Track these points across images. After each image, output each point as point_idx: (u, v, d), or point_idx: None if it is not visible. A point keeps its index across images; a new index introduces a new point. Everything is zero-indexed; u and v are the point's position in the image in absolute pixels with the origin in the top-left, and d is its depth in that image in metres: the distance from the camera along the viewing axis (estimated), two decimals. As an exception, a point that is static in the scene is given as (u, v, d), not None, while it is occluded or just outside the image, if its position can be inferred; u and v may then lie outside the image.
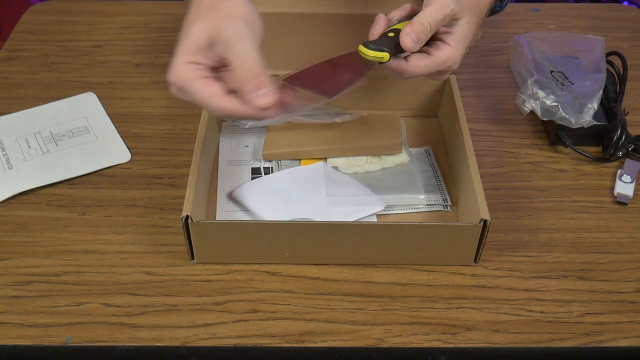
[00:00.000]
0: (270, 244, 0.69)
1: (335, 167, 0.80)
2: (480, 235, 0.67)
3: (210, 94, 0.59)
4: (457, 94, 0.81)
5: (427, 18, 0.65)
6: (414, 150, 0.83)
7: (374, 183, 0.78)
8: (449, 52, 0.67)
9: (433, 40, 0.68)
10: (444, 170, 0.81)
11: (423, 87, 0.85)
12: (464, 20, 0.67)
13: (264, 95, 0.58)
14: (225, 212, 0.76)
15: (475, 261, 0.70)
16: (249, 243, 0.69)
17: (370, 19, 0.70)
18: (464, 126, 0.76)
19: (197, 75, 0.59)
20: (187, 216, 0.66)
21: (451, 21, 0.67)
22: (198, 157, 0.71)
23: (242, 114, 0.59)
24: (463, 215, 0.74)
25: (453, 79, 0.83)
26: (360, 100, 0.87)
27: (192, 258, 0.70)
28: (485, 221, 0.66)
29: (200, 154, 0.72)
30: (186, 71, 0.59)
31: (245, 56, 0.59)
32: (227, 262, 0.71)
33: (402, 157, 0.80)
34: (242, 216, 0.75)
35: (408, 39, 0.64)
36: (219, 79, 0.60)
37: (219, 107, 0.59)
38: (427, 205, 0.76)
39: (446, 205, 0.77)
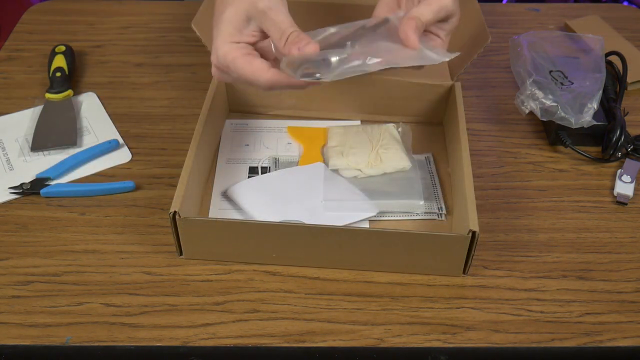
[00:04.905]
0: (257, 244, 0.69)
1: (336, 170, 0.80)
2: (469, 246, 0.66)
3: (256, 68, 0.61)
4: (460, 101, 0.80)
5: (427, 17, 0.65)
6: (414, 156, 0.82)
7: (373, 187, 0.77)
8: (438, 42, 0.69)
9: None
10: (443, 178, 0.80)
11: (427, 94, 0.85)
12: (455, 17, 0.68)
13: (307, 45, 0.59)
14: (219, 209, 0.76)
15: (464, 272, 0.70)
16: (236, 242, 0.69)
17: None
18: (463, 135, 0.75)
19: (240, 53, 0.62)
20: (175, 212, 0.66)
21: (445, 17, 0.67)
22: (192, 155, 0.71)
23: (287, 83, 0.61)
24: (456, 225, 0.73)
25: (458, 87, 0.82)
26: (364, 106, 0.86)
27: (181, 254, 0.71)
28: (474, 233, 0.65)
29: (195, 151, 0.72)
30: (228, 51, 0.62)
31: (284, 24, 0.61)
32: (214, 259, 0.71)
33: (404, 163, 0.79)
34: (235, 214, 0.75)
35: (413, 36, 0.63)
36: (259, 53, 0.63)
37: (266, 80, 0.61)
38: (422, 213, 0.76)
39: (440, 214, 0.76)
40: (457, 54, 0.66)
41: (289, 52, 0.60)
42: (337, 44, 0.62)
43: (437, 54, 0.65)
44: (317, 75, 0.59)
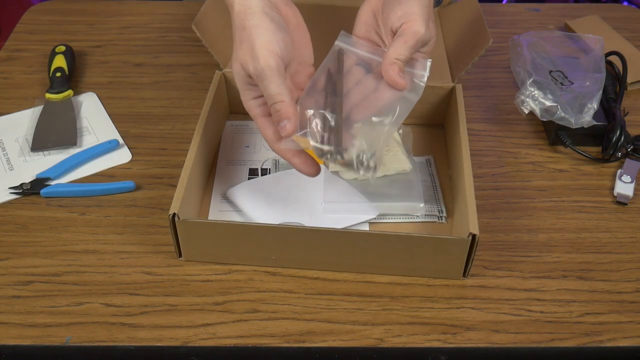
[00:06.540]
0: (257, 246, 0.69)
1: (336, 172, 0.79)
2: (469, 249, 0.66)
3: (269, 136, 0.66)
4: (461, 103, 0.80)
5: (406, 54, 0.66)
6: (415, 159, 0.82)
7: (373, 190, 0.77)
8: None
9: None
10: (443, 180, 0.80)
11: (428, 96, 0.84)
12: (432, 40, 0.69)
13: (283, 128, 0.63)
14: (219, 211, 0.76)
15: (464, 276, 0.69)
16: (235, 244, 0.69)
17: None
18: (464, 138, 0.74)
19: (258, 113, 0.66)
20: (174, 214, 0.66)
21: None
22: (192, 156, 0.71)
23: (289, 162, 0.66)
24: (456, 228, 0.73)
25: (459, 88, 0.82)
26: None
27: (180, 255, 0.71)
28: (474, 236, 0.65)
29: (195, 152, 0.72)
30: (249, 108, 0.67)
31: (267, 92, 0.63)
32: (213, 261, 0.71)
33: (405, 165, 0.79)
34: (235, 216, 0.75)
35: (399, 80, 0.65)
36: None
37: (275, 149, 0.66)
38: (422, 215, 0.76)
39: (441, 217, 0.76)
40: (429, 60, 0.68)
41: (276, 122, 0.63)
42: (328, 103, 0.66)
43: (420, 73, 0.68)
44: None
